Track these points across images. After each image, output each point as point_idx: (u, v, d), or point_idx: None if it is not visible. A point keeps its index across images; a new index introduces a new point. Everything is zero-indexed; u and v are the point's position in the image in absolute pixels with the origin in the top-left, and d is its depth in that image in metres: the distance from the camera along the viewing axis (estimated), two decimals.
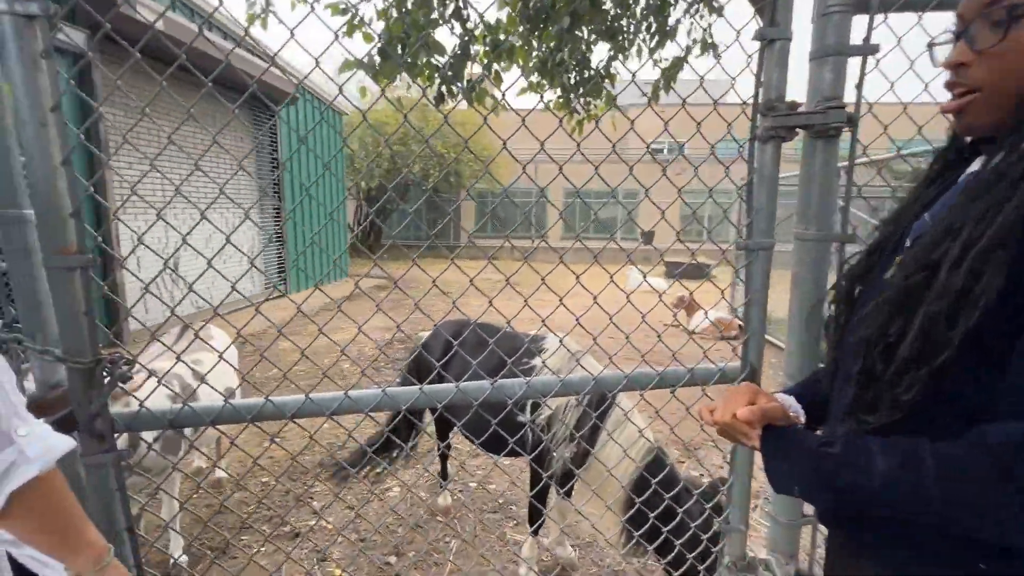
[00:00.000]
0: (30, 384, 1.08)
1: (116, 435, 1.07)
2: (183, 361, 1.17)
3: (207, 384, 1.12)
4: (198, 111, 6.85)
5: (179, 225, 6.63)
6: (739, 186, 1.20)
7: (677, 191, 1.22)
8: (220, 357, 1.18)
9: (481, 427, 2.00)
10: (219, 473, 3.04)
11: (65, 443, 0.75)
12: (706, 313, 1.23)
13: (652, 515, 1.51)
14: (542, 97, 1.22)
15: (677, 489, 1.54)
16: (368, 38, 2.22)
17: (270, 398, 1.11)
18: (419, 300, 1.16)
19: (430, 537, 2.53)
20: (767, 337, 1.32)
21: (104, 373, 1.03)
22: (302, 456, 3.33)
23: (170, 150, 6.35)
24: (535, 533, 2.23)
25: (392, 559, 2.39)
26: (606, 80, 3.52)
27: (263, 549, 2.38)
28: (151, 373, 1.10)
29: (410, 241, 17.94)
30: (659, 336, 1.26)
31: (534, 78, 3.23)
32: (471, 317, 2.66)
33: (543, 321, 1.19)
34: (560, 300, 1.17)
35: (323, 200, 10.58)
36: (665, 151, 21.01)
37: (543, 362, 1.82)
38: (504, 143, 1.13)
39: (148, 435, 1.81)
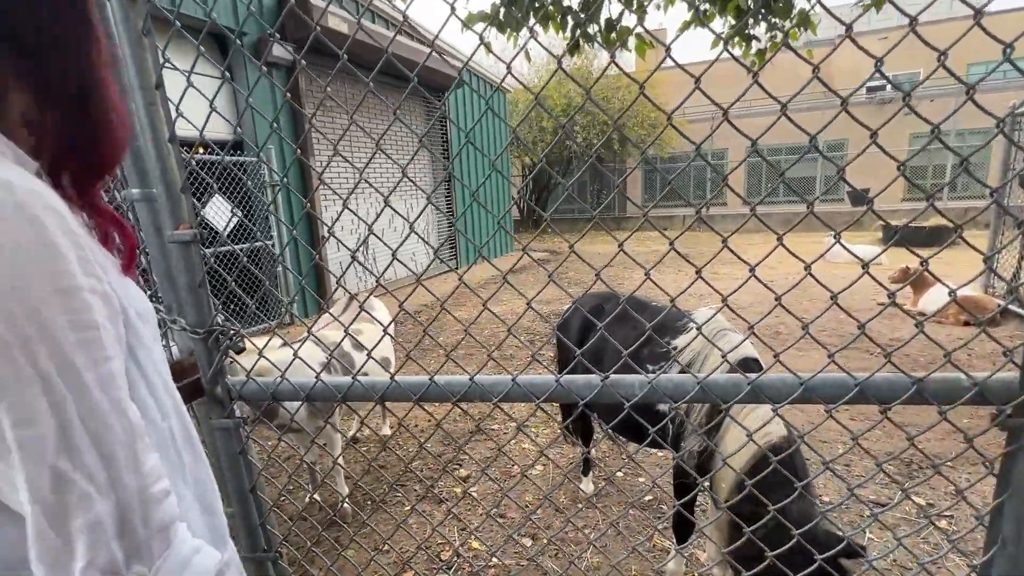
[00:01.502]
0: (175, 350, 1.19)
1: (232, 401, 1.12)
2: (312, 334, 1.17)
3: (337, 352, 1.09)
4: (380, 106, 7.61)
5: (368, 207, 7.54)
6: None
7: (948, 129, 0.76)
8: (342, 332, 1.15)
9: (611, 412, 1.74)
10: (385, 430, 3.35)
11: (199, 572, 0.52)
12: (952, 291, 0.75)
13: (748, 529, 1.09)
14: (732, 42, 0.86)
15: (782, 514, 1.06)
16: None
17: (358, 378, 1.04)
18: (553, 272, 0.96)
19: (568, 526, 2.38)
20: None
21: (216, 343, 1.08)
22: (456, 424, 3.48)
23: (360, 143, 7.22)
24: (682, 545, 1.90)
25: (528, 541, 2.31)
26: None
27: (411, 508, 2.52)
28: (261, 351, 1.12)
29: (575, 215, 17.81)
30: (858, 323, 0.84)
31: (701, 4, 2.67)
32: (628, 290, 2.39)
33: (672, 299, 0.87)
34: (698, 272, 0.84)
35: (489, 178, 11.02)
36: (888, 88, 16.77)
37: (680, 346, 1.47)
38: (639, 89, 0.83)
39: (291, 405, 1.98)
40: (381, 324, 1.03)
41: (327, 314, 2.67)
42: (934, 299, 5.23)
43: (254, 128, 5.62)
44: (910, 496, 1.08)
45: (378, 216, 0.95)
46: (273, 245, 5.80)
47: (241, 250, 3.08)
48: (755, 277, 0.82)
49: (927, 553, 2.01)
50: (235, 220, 5.34)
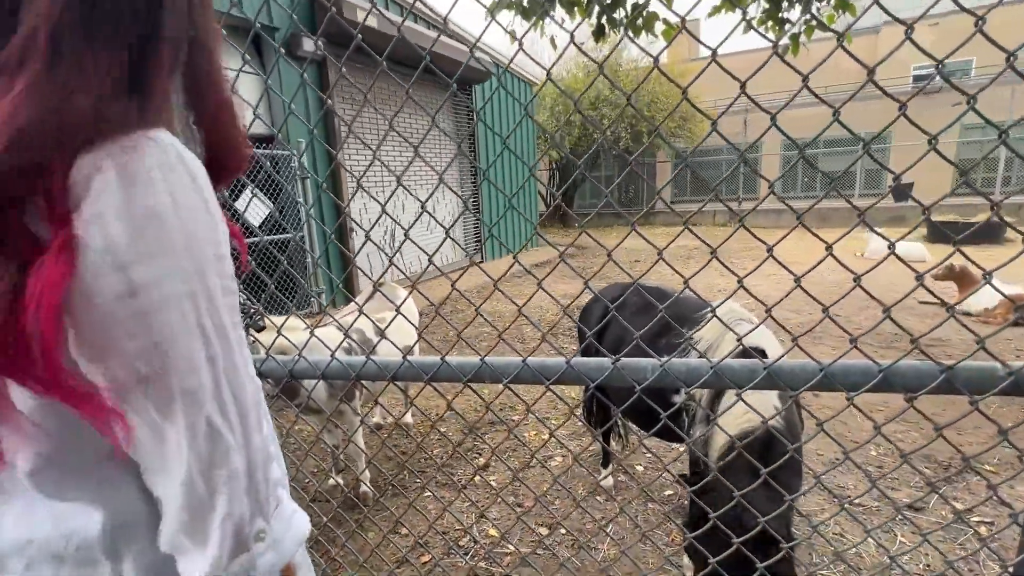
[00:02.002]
0: None
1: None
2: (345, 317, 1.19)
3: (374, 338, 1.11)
4: (412, 104, 7.67)
5: (396, 200, 7.64)
6: None
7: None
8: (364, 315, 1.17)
9: (622, 398, 1.71)
10: (407, 418, 3.40)
11: (300, 531, 0.55)
12: (986, 278, 0.65)
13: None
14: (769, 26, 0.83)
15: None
16: None
17: (372, 358, 1.05)
18: (564, 251, 0.95)
19: (586, 518, 2.37)
20: None
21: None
22: (477, 414, 3.50)
23: (393, 142, 7.31)
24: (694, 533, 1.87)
25: (544, 531, 2.31)
26: None
27: (430, 495, 2.55)
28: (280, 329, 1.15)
29: (601, 209, 17.58)
30: (886, 311, 0.79)
31: None
32: (651, 283, 2.36)
33: (685, 280, 0.85)
34: (713, 252, 0.82)
35: (514, 172, 11.00)
36: (938, 77, 15.85)
37: (693, 334, 1.43)
38: (653, 63, 0.81)
39: (310, 383, 2.03)
40: (396, 307, 1.04)
41: (354, 302, 2.72)
42: (979, 296, 4.96)
43: (285, 124, 5.75)
44: (944, 497, 1.03)
45: (391, 196, 0.95)
46: (302, 237, 5.94)
47: (271, 242, 3.14)
48: (773, 258, 0.79)
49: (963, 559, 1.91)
50: (266, 211, 5.49)
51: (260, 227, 5.57)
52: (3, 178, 0.37)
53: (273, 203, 5.66)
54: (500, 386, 0.98)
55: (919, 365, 0.80)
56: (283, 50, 1.01)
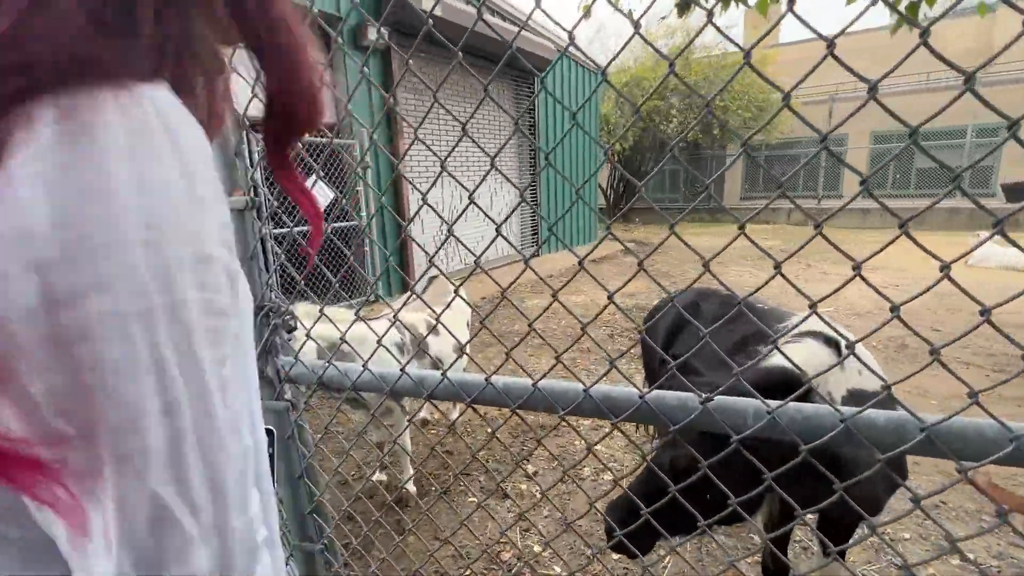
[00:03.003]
0: None
1: (282, 383, 1.05)
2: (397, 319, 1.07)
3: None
4: (468, 90, 7.59)
5: (453, 191, 7.62)
6: None
7: None
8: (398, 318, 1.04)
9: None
10: (454, 414, 3.31)
11: None
12: None
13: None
14: None
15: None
16: None
17: (407, 371, 0.91)
18: (643, 260, 0.77)
19: None
20: None
21: (266, 319, 1.01)
22: (526, 415, 3.35)
23: (448, 129, 7.26)
24: None
25: (590, 552, 2.12)
26: None
27: (475, 500, 2.43)
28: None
29: (666, 204, 16.83)
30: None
31: None
32: (717, 290, 2.10)
33: (811, 304, 0.63)
34: (857, 269, 0.60)
35: (575, 165, 10.69)
36: None
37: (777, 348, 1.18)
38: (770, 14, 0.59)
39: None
40: (435, 317, 0.89)
41: (409, 293, 2.64)
42: None
43: (347, 113, 5.82)
44: None
45: (434, 183, 0.80)
46: (363, 226, 6.02)
47: (334, 230, 3.13)
48: (951, 280, 0.56)
49: None
50: (331, 196, 5.58)
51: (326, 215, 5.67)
52: None
53: (333, 192, 5.75)
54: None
55: None
56: (339, 39, 0.87)
